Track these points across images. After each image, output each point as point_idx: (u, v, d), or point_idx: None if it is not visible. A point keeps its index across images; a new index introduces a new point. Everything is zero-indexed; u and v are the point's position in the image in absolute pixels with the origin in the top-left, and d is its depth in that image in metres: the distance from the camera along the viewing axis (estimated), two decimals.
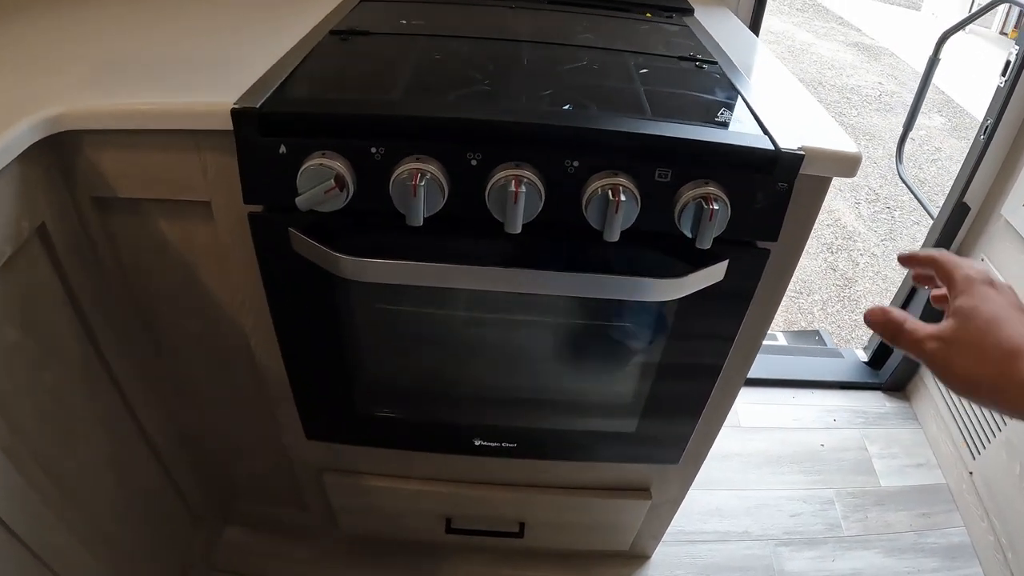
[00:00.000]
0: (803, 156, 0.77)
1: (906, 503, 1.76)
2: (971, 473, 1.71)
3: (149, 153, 0.84)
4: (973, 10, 6.06)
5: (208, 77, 0.87)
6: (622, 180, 0.75)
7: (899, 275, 3.00)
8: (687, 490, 1.32)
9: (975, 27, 6.41)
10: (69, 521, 0.94)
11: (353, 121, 0.77)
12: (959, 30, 2.01)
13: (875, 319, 0.53)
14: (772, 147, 0.77)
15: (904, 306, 2.00)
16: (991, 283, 0.50)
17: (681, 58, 1.01)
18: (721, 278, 0.86)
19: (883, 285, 2.98)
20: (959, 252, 1.85)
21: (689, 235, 0.78)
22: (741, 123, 0.83)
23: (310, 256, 0.84)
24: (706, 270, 0.83)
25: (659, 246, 0.84)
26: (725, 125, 0.83)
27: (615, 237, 0.77)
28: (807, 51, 6.34)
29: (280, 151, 0.77)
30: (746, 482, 1.79)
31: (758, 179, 0.78)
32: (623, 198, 0.74)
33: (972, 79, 5.40)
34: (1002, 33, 6.79)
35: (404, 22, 1.10)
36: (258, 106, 0.77)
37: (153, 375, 1.13)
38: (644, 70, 0.97)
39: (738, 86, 0.93)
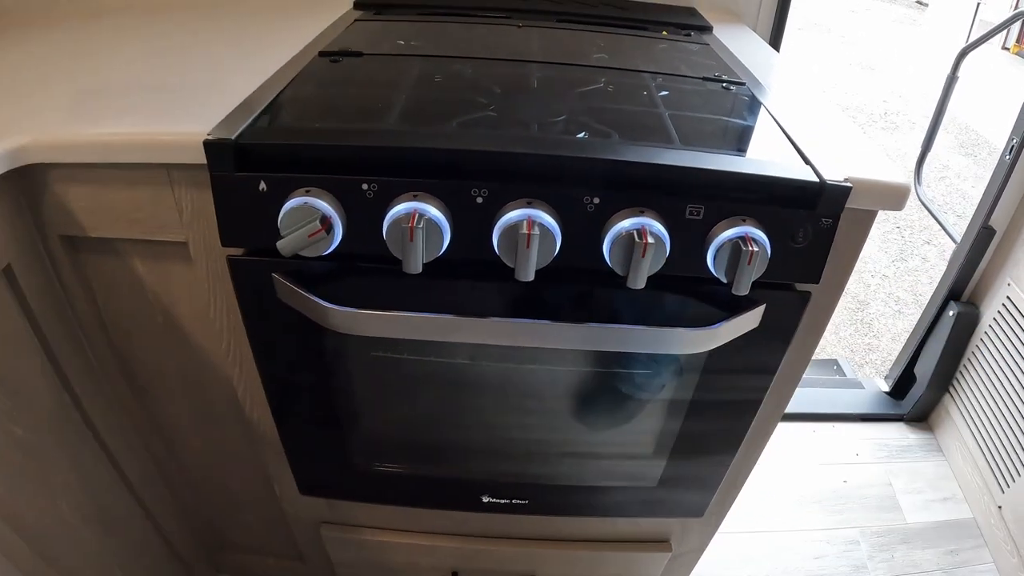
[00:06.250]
0: (850, 188, 0.68)
1: (933, 540, 1.70)
2: (1000, 507, 1.65)
3: (120, 189, 0.77)
4: (975, 26, 6.08)
5: (185, 104, 0.80)
6: (649, 219, 0.66)
7: (911, 296, 2.96)
8: (710, 540, 1.23)
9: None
10: None
11: (341, 153, 0.67)
12: (978, 46, 1.96)
13: None
14: (816, 179, 0.68)
15: (927, 335, 1.92)
16: None
17: (706, 79, 0.92)
18: (756, 325, 0.76)
19: (895, 307, 2.90)
20: (983, 277, 1.80)
21: (724, 280, 0.69)
22: (779, 152, 0.74)
23: (296, 306, 0.75)
24: (741, 318, 0.74)
25: (688, 291, 0.75)
26: (762, 154, 0.74)
27: (641, 284, 0.68)
28: (809, 70, 6.30)
29: (260, 188, 0.68)
30: (767, 524, 1.72)
31: (800, 215, 0.69)
32: (651, 240, 0.65)
33: (977, 95, 5.35)
34: (1004, 48, 6.76)
35: (401, 42, 1.01)
36: (234, 137, 0.68)
37: (135, 423, 1.07)
38: (666, 92, 0.88)
39: (770, 109, 0.84)
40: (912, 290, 3.02)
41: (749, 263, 0.66)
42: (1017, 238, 1.67)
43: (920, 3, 8.81)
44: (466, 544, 1.20)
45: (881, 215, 3.28)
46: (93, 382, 0.96)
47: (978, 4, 6.65)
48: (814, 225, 0.69)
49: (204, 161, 0.70)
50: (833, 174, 0.69)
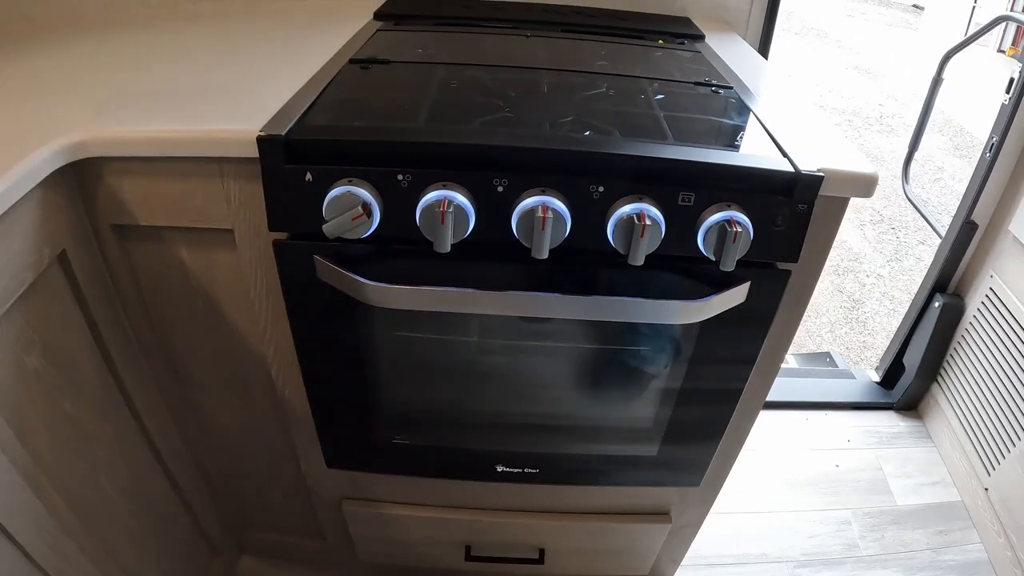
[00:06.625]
0: (822, 178, 0.78)
1: (923, 521, 1.76)
2: (987, 489, 1.71)
3: (172, 181, 0.84)
4: (972, 29, 6.11)
5: (230, 105, 0.88)
6: (647, 204, 0.76)
7: (906, 295, 3.02)
8: (707, 513, 1.31)
9: (973, 46, 6.34)
10: (88, 549, 0.94)
11: (380, 148, 0.78)
12: (961, 50, 2.02)
13: None
14: (792, 169, 0.78)
15: (914, 326, 2.00)
16: None
17: (697, 83, 1.02)
18: (743, 300, 0.86)
19: (890, 306, 2.97)
20: (968, 270, 1.87)
21: (712, 258, 0.79)
22: (760, 146, 0.84)
23: (335, 283, 0.84)
24: (729, 292, 0.83)
25: (682, 269, 0.85)
26: (745, 149, 0.84)
27: (640, 261, 0.78)
28: (806, 74, 6.38)
29: (306, 178, 0.78)
30: (763, 505, 1.79)
31: (779, 201, 0.79)
32: (648, 222, 0.75)
33: (972, 98, 5.42)
34: (999, 51, 6.82)
35: (421, 51, 1.11)
36: (284, 133, 0.78)
37: (171, 403, 1.13)
38: (661, 95, 0.98)
39: (754, 110, 0.94)
40: (906, 289, 3.08)
41: (734, 242, 0.76)
42: (998, 232, 1.74)
43: (916, 7, 8.89)
44: (479, 517, 1.27)
45: (877, 217, 3.32)
46: (134, 363, 1.02)
47: (973, 8, 6.72)
48: (792, 210, 0.79)
49: (255, 155, 0.78)
50: (808, 165, 0.79)
